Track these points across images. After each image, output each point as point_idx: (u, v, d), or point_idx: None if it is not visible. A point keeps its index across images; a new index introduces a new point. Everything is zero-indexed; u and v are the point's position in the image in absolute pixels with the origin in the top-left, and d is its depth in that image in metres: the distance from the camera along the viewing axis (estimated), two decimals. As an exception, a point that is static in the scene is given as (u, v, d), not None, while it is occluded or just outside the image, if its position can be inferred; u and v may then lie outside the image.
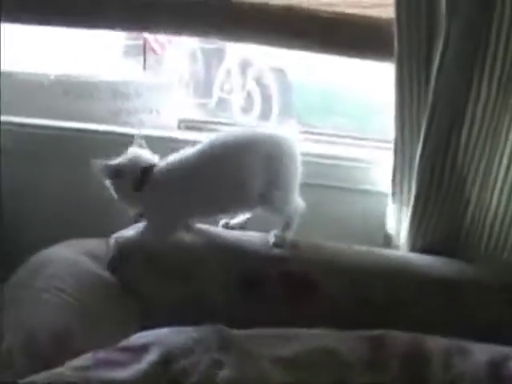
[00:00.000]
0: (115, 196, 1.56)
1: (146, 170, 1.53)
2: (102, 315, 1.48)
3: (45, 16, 1.78)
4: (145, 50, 2.05)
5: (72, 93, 1.93)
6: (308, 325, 1.44)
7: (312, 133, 2.01)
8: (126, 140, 1.82)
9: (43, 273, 1.53)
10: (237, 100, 4.51)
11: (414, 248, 1.65)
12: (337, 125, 4.74)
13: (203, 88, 4.66)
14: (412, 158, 1.61)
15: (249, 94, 4.58)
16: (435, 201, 1.58)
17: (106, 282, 1.58)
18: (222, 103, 4.58)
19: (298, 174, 1.54)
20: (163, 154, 1.59)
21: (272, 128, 1.58)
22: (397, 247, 1.73)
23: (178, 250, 1.58)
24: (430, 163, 1.54)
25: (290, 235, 1.56)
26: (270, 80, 4.58)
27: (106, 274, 1.59)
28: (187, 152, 1.53)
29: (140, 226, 1.59)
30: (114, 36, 4.07)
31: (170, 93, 1.97)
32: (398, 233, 1.71)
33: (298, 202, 1.57)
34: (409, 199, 1.65)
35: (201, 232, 1.62)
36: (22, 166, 1.89)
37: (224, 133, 1.58)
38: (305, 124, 4.57)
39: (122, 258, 1.59)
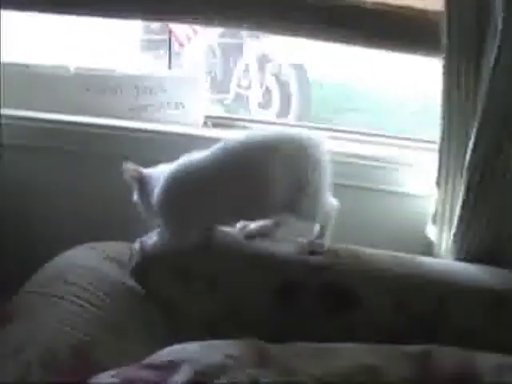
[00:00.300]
0: (139, 205, 1.46)
1: None
2: (125, 326, 1.39)
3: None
4: (170, 43, 1.93)
5: (93, 87, 1.83)
6: (348, 338, 1.34)
7: (337, 131, 1.89)
8: (150, 136, 1.73)
9: (62, 279, 1.44)
10: (255, 96, 4.45)
11: (459, 256, 1.54)
12: (354, 122, 4.73)
13: (220, 83, 4.60)
14: (457, 158, 1.51)
15: (267, 90, 4.51)
16: (484, 206, 1.47)
17: (130, 291, 1.48)
18: (239, 99, 4.50)
19: (326, 176, 1.42)
20: (188, 152, 1.47)
21: (296, 129, 1.45)
22: (438, 253, 1.61)
23: (207, 258, 1.47)
24: (481, 167, 1.43)
25: (326, 242, 1.45)
26: (289, 76, 4.51)
27: (130, 282, 1.48)
28: (204, 153, 1.42)
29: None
30: (132, 30, 4.01)
31: (196, 88, 1.86)
32: (440, 238, 1.60)
33: (331, 205, 1.46)
34: (453, 203, 1.54)
35: (228, 238, 1.51)
36: (33, 163, 1.80)
37: (245, 134, 1.46)
38: (326, 121, 4.54)
39: (148, 265, 1.48)
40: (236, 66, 4.61)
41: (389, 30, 1.47)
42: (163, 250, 1.49)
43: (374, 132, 1.91)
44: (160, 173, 1.44)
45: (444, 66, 1.45)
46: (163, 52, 4.37)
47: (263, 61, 4.50)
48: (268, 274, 1.46)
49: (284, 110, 4.49)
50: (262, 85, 4.54)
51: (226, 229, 1.51)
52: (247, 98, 4.53)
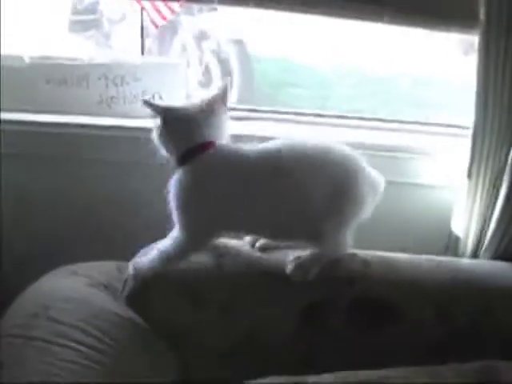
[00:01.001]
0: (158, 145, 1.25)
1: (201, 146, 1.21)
2: (129, 367, 1.17)
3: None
4: (142, 24, 1.67)
5: (54, 79, 1.56)
6: (384, 357, 1.22)
7: (342, 117, 1.70)
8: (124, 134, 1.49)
9: (45, 317, 1.19)
10: (194, 74, 4.23)
11: (495, 254, 1.39)
12: (296, 96, 4.61)
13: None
14: (493, 148, 1.34)
15: (207, 68, 4.30)
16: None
17: (129, 323, 1.25)
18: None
19: (360, 212, 1.24)
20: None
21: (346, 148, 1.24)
22: (464, 249, 1.46)
23: (219, 279, 1.26)
24: None
25: (314, 272, 1.24)
26: (229, 52, 4.32)
27: (127, 312, 1.25)
28: (251, 147, 1.23)
29: (163, 246, 1.25)
30: (59, 11, 3.73)
31: (176, 75, 1.61)
32: (467, 234, 1.44)
33: (346, 244, 1.26)
34: (484, 197, 1.38)
35: (241, 255, 1.30)
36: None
37: (296, 140, 1.25)
38: (267, 96, 4.40)
39: (148, 290, 1.25)
40: (172, 45, 4.35)
41: (418, 4, 1.28)
42: (163, 271, 1.26)
43: (387, 118, 1.71)
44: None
45: (479, 44, 1.27)
46: (93, 33, 4.11)
47: (200, 38, 4.28)
48: (291, 293, 1.26)
49: (226, 88, 4.30)
50: (201, 63, 4.32)
51: (237, 244, 1.30)
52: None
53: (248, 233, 1.30)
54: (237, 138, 1.27)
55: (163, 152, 1.25)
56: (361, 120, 1.68)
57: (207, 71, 4.25)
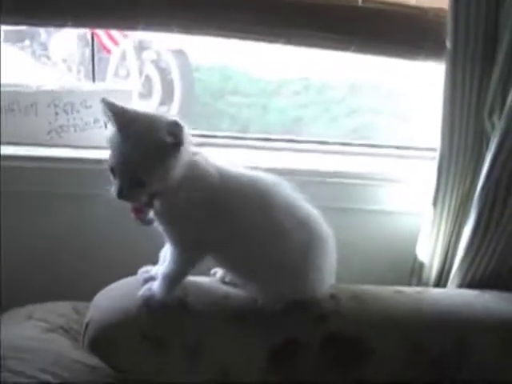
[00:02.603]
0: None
1: None
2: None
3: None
4: (93, 49, 1.60)
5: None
6: None
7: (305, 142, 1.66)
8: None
9: (3, 368, 1.11)
10: (134, 86, 4.14)
11: (462, 282, 1.38)
12: (237, 104, 4.59)
13: (96, 74, 4.22)
14: (456, 175, 1.33)
15: (147, 79, 4.23)
16: (494, 234, 1.31)
17: (91, 369, 1.19)
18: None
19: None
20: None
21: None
22: (428, 276, 1.46)
23: (184, 320, 1.20)
24: (493, 193, 1.28)
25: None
26: (170, 62, 4.26)
27: (90, 358, 1.18)
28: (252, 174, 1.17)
29: (164, 269, 1.18)
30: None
31: (129, 102, 1.54)
32: (432, 261, 1.44)
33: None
34: (450, 224, 1.38)
35: (200, 290, 1.24)
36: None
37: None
38: (207, 105, 4.37)
39: (112, 336, 1.18)
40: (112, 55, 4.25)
41: (386, 34, 1.25)
42: (127, 315, 1.19)
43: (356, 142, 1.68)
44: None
45: (446, 71, 1.26)
46: (28, 43, 3.98)
47: (140, 48, 4.19)
48: (260, 331, 1.21)
49: (166, 98, 4.25)
50: (141, 73, 4.23)
51: (204, 281, 1.25)
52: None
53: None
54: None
55: None
56: (324, 145, 1.64)
57: (148, 82, 4.17)
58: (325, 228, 1.20)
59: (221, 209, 1.14)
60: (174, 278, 1.18)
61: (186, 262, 1.18)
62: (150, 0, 1.26)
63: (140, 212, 1.14)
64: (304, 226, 1.17)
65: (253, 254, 1.16)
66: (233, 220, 1.14)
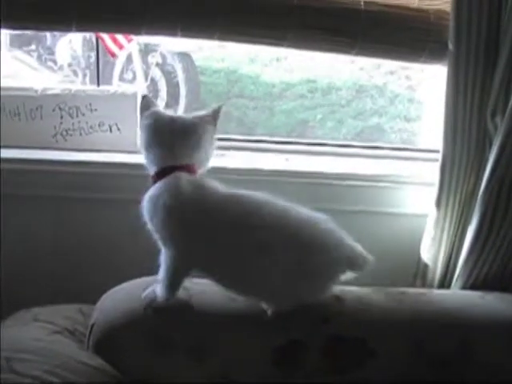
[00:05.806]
0: None
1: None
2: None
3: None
4: (98, 53, 1.61)
5: (4, 111, 1.48)
6: None
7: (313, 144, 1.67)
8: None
9: (8, 370, 1.12)
10: (140, 89, 4.15)
11: (465, 283, 1.38)
12: (242, 106, 4.60)
13: (101, 78, 4.24)
14: (460, 176, 1.34)
15: (153, 82, 4.25)
16: (497, 236, 1.31)
17: (97, 371, 1.18)
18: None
19: None
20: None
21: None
22: (432, 278, 1.46)
23: (188, 322, 1.21)
24: (496, 194, 1.28)
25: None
26: (175, 65, 4.27)
27: (95, 359, 1.19)
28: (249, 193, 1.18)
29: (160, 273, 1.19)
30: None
31: (134, 106, 1.55)
32: (436, 263, 1.44)
33: None
34: (454, 225, 1.38)
35: (204, 291, 1.25)
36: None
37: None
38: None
39: (116, 337, 1.20)
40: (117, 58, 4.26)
41: (388, 36, 1.25)
42: (132, 317, 1.20)
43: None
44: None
45: (448, 74, 1.26)
46: (34, 47, 4.00)
47: (145, 51, 4.21)
48: (264, 332, 1.22)
49: (172, 101, 4.26)
50: (146, 77, 4.25)
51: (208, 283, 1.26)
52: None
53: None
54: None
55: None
56: (330, 147, 1.65)
57: (153, 85, 4.19)
58: (321, 233, 1.19)
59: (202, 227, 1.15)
60: (170, 279, 1.19)
61: (176, 263, 1.19)
62: (155, 5, 1.27)
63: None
64: (294, 238, 1.17)
65: (241, 272, 1.17)
66: (214, 238, 1.16)
